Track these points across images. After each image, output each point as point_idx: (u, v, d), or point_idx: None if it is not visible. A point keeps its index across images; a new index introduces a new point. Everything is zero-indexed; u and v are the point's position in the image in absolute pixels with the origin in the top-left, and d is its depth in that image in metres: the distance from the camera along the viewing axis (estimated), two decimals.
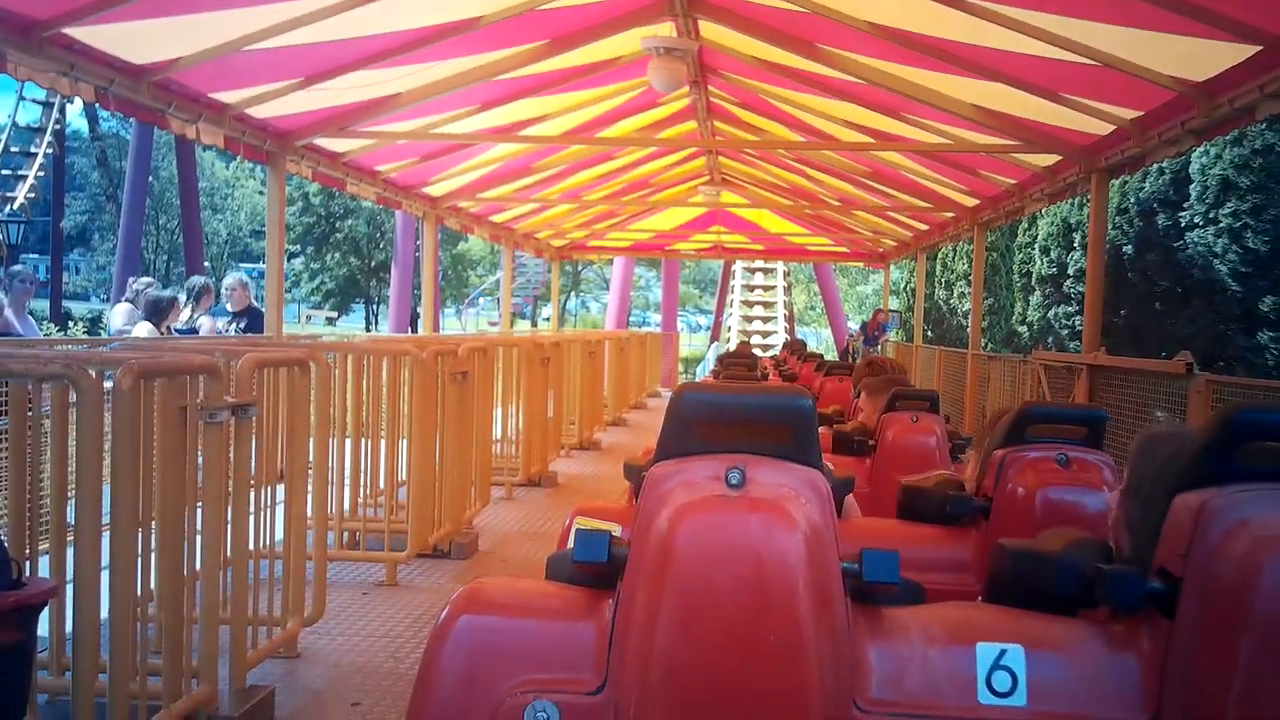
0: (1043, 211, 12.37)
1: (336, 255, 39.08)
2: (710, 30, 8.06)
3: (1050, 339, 13.00)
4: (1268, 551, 1.39)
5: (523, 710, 1.53)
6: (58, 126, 29.44)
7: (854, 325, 25.06)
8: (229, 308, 8.29)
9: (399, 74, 7.08)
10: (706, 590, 1.48)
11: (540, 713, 1.53)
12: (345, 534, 5.18)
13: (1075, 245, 12.25)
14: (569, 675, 1.55)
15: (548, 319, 29.17)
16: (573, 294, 43.67)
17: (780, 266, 31.13)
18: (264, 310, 7.94)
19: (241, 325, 8.19)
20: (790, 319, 30.83)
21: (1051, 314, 12.95)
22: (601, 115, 10.10)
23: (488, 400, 6.17)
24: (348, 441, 5.32)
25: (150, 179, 39.85)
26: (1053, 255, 12.77)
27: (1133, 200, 11.39)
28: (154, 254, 37.25)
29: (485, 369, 6.11)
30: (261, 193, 46.70)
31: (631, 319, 40.75)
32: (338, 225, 38.37)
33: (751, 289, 30.99)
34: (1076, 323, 11.75)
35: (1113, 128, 6.63)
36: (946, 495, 2.99)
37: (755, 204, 16.32)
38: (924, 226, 13.33)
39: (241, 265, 54.24)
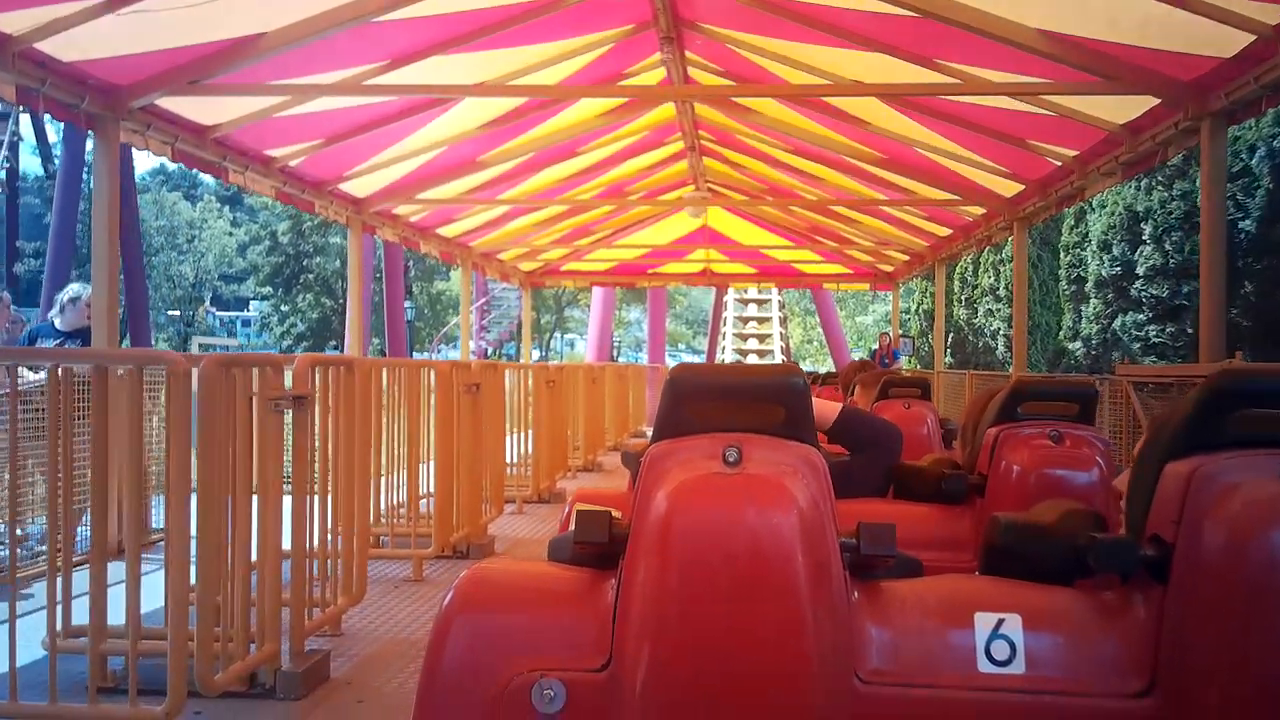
0: (1094, 202, 10.42)
1: (308, 296, 37.06)
2: None
3: (1116, 354, 10.99)
4: (1257, 516, 1.42)
5: (529, 689, 1.56)
6: (8, 165, 27.60)
7: (858, 356, 23.14)
8: (58, 325, 6.29)
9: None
10: (705, 566, 1.52)
11: (546, 690, 1.56)
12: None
13: (1145, 238, 10.28)
14: (573, 654, 1.59)
15: (538, 358, 27.11)
16: (557, 332, 41.66)
17: (775, 297, 29.36)
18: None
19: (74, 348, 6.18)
20: (786, 351, 28.96)
21: (1117, 324, 10.93)
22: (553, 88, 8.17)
23: (361, 442, 4.15)
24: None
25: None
26: (1115, 252, 10.80)
27: (1258, 157, 9.31)
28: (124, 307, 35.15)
29: (350, 394, 4.09)
30: (230, 233, 44.87)
31: (621, 358, 38.77)
32: (307, 264, 36.41)
33: (745, 321, 29.21)
34: (1151, 333, 9.80)
35: (1249, 40, 4.72)
36: (941, 474, 3.09)
37: (745, 216, 14.48)
38: (945, 231, 11.42)
39: (219, 313, 52.38)
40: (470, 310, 15.55)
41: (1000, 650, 1.57)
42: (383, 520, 5.64)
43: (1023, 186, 8.34)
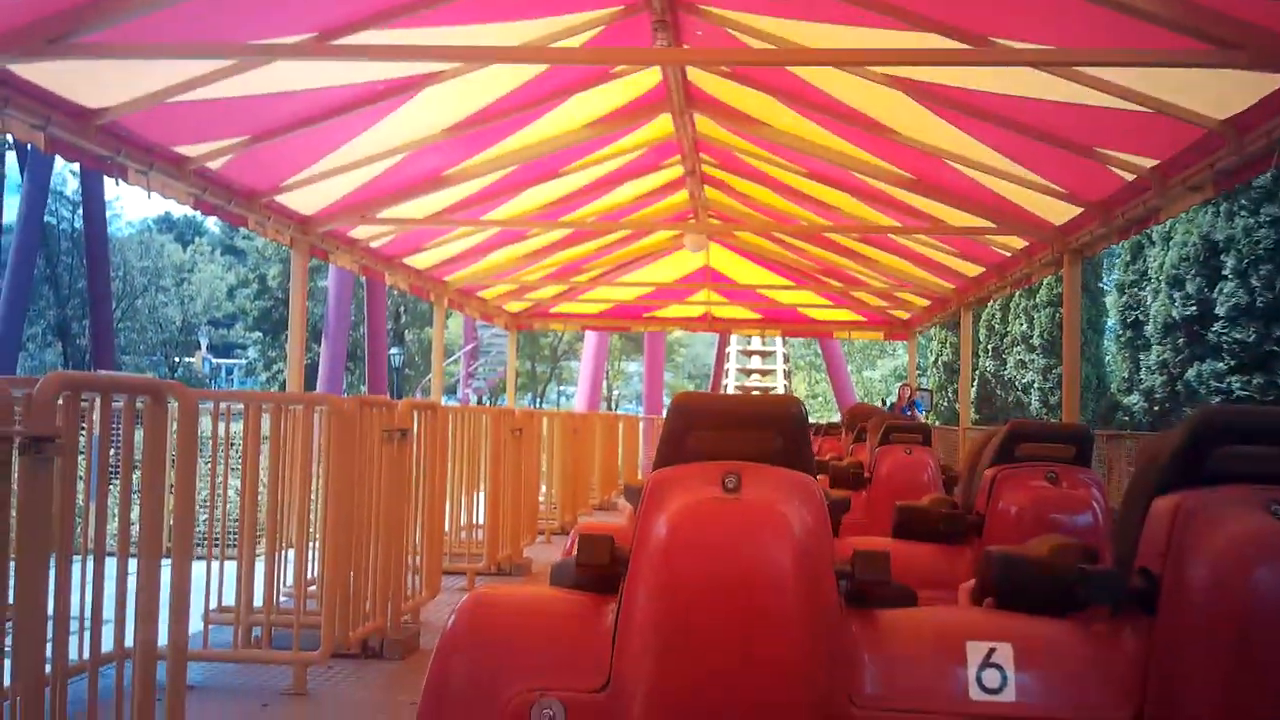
0: (1156, 234, 9.15)
1: None
2: None
3: (1189, 410, 9.61)
4: (1241, 548, 1.48)
5: (529, 709, 1.59)
6: None
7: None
8: None
9: None
10: (704, 589, 1.56)
11: (546, 709, 1.59)
12: None
13: (1226, 273, 8.91)
14: (573, 674, 1.62)
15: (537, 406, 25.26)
16: (554, 383, 40.24)
17: (779, 349, 28.15)
18: None
19: None
20: None
21: (1191, 374, 9.54)
22: (530, 83, 6.95)
23: (180, 502, 2.81)
24: None
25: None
26: (1188, 289, 9.42)
27: None
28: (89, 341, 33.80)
29: (158, 436, 2.78)
30: (222, 278, 43.77)
31: (619, 411, 37.32)
32: None
33: (748, 373, 27.97)
34: (1234, 384, 8.42)
35: None
36: (940, 514, 3.21)
37: (749, 256, 13.27)
38: (975, 270, 10.15)
39: (215, 359, 51.12)
40: (456, 357, 14.25)
41: (991, 678, 1.60)
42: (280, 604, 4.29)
43: (1079, 210, 7.07)
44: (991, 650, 1.62)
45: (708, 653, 1.55)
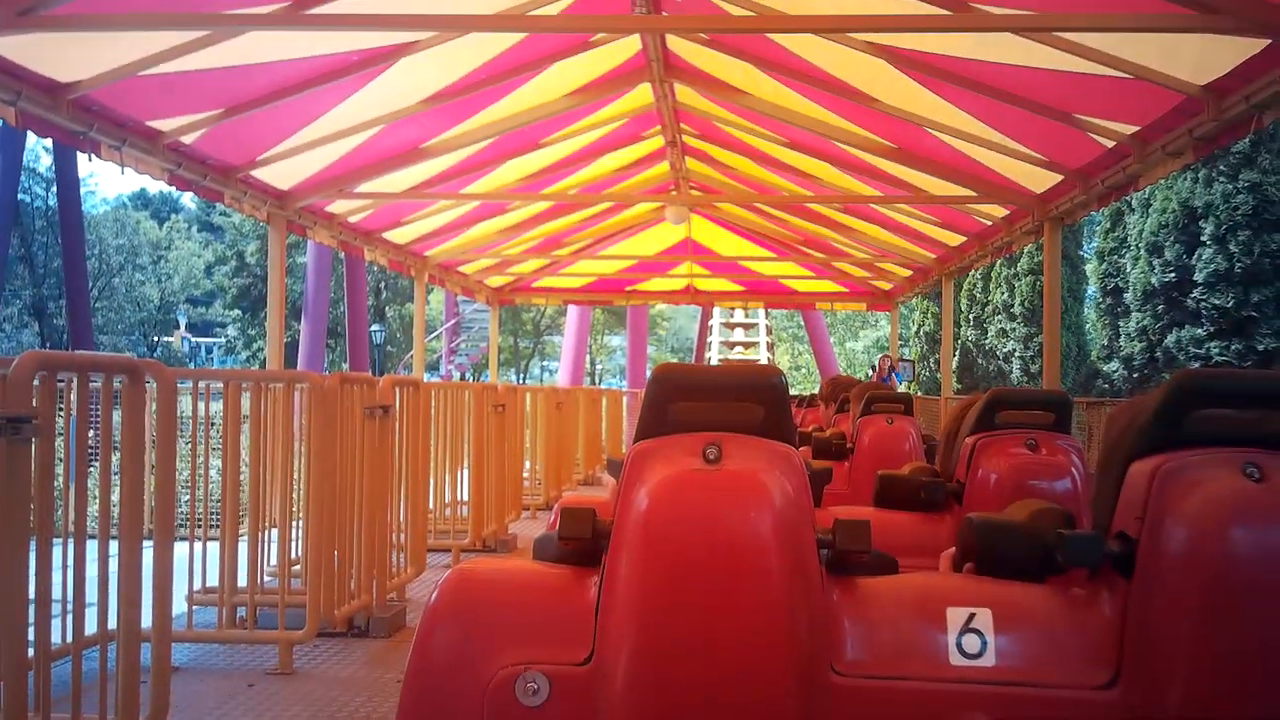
0: (1135, 200, 9.16)
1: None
2: None
3: (1168, 376, 9.71)
4: (1216, 511, 1.50)
5: (513, 682, 1.60)
6: None
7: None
8: None
9: None
10: (686, 560, 1.57)
11: (530, 683, 1.60)
12: None
13: (1205, 239, 8.94)
14: (557, 648, 1.63)
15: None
16: (536, 357, 40.13)
17: (762, 321, 28.17)
18: None
19: None
20: None
21: (1171, 340, 9.59)
22: (507, 52, 6.87)
23: (162, 477, 2.78)
24: None
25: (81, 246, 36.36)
26: (1167, 256, 9.44)
27: None
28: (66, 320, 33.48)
29: (135, 412, 2.74)
30: (199, 255, 43.36)
31: (603, 386, 37.29)
32: None
33: (731, 346, 28.00)
34: (1213, 350, 8.48)
35: None
36: (920, 482, 3.24)
37: (731, 228, 13.23)
38: (957, 239, 10.15)
39: (195, 338, 50.69)
40: (438, 333, 14.17)
41: (971, 643, 1.62)
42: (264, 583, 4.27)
43: (1059, 178, 7.07)
44: (971, 616, 1.63)
45: (689, 623, 1.56)
